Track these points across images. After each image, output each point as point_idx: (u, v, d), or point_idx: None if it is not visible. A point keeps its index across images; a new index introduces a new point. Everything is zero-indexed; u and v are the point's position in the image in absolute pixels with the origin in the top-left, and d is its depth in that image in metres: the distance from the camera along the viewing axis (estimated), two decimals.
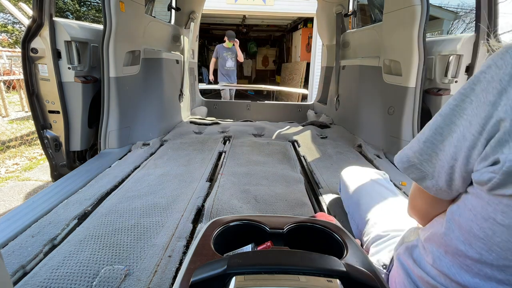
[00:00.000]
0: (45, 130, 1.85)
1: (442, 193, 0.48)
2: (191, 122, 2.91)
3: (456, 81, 1.77)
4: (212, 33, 12.03)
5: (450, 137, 0.43)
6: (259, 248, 0.54)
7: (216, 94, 9.23)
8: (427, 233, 0.55)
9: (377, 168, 1.80)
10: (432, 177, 0.47)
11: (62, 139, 1.87)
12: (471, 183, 0.43)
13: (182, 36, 3.07)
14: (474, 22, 1.74)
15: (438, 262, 0.49)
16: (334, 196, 1.40)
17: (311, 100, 5.06)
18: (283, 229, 0.58)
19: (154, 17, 2.53)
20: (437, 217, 0.53)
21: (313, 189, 1.56)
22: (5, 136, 3.94)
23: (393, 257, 0.68)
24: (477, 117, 0.38)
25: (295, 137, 2.44)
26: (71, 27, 1.75)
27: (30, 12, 1.69)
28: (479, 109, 0.38)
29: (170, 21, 3.01)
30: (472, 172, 0.41)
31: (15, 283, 0.83)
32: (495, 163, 0.36)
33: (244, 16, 8.70)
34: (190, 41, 3.26)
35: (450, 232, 0.46)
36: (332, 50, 3.39)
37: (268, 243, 0.55)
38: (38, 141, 2.27)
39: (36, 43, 1.69)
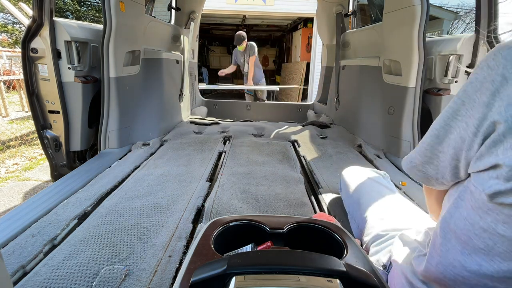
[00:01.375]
0: (45, 130, 1.85)
1: (449, 185, 0.49)
2: (191, 122, 2.91)
3: (456, 81, 1.77)
4: (212, 33, 12.02)
5: (447, 138, 0.43)
6: (259, 248, 0.54)
7: (216, 94, 9.24)
8: (424, 243, 0.55)
9: (377, 168, 1.80)
10: (436, 178, 0.48)
11: (62, 139, 1.87)
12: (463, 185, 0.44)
13: (182, 36, 3.07)
14: (474, 22, 1.74)
15: (435, 273, 0.49)
16: (334, 196, 1.40)
17: (311, 100, 5.05)
18: (283, 229, 0.58)
19: (154, 17, 2.53)
20: (434, 226, 0.53)
21: (313, 189, 1.56)
22: (5, 136, 3.94)
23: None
24: (472, 118, 0.39)
25: (295, 137, 2.44)
26: (71, 27, 1.75)
27: (30, 12, 1.69)
28: (474, 110, 0.38)
29: (170, 21, 3.01)
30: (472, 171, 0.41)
31: (15, 283, 0.83)
32: (495, 166, 0.36)
33: (244, 16, 8.70)
34: (190, 41, 3.26)
35: (447, 242, 0.46)
36: (332, 50, 3.39)
37: (268, 243, 0.55)
38: (38, 141, 2.27)
39: (36, 43, 1.69)
